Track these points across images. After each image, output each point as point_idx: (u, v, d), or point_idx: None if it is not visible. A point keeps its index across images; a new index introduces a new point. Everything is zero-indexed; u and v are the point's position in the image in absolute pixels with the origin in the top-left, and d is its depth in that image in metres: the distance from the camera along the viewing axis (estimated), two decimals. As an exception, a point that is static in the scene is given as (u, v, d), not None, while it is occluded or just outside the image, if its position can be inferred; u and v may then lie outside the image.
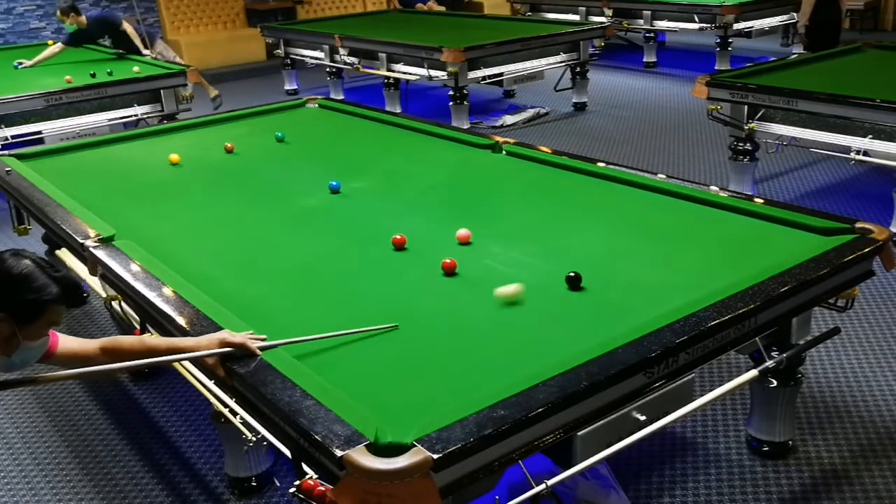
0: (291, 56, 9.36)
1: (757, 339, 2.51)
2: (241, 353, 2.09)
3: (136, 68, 6.54)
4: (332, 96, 8.41)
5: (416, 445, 1.69)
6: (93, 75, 6.28)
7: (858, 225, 2.72)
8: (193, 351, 2.11)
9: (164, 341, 2.20)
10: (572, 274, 2.48)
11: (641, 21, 9.79)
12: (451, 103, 7.20)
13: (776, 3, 9.43)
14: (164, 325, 2.41)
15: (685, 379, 2.20)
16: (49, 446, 3.30)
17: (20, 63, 7.21)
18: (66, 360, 2.16)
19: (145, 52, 7.63)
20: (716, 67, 8.86)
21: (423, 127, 4.47)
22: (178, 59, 8.17)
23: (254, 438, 2.28)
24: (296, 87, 9.58)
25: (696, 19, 9.21)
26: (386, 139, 4.41)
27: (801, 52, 7.69)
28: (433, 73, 7.21)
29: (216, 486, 3.00)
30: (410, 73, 7.54)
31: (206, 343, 2.10)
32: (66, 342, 2.16)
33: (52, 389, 3.70)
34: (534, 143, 4.02)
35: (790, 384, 2.84)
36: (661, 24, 9.70)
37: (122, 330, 3.66)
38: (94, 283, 3.16)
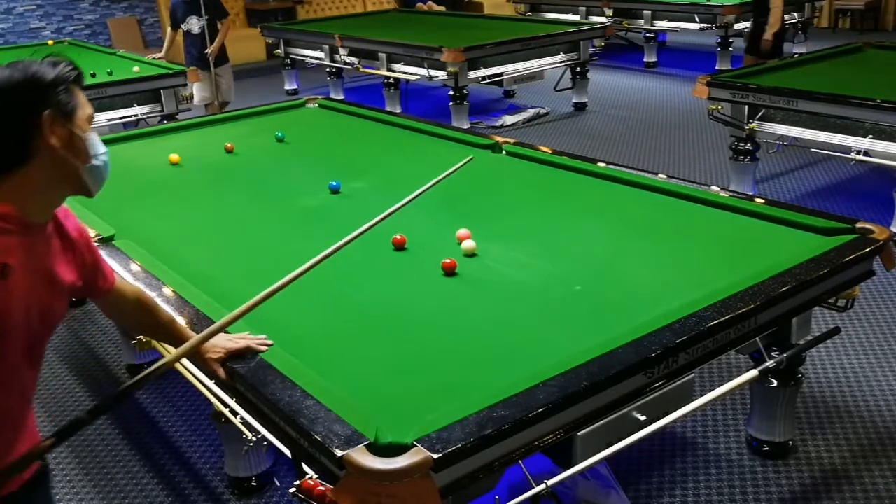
0: (291, 56, 9.37)
1: (757, 339, 2.51)
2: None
3: (136, 68, 6.53)
4: (332, 96, 8.40)
5: (416, 445, 1.69)
6: (93, 75, 6.27)
7: (859, 225, 2.71)
8: (203, 354, 2.07)
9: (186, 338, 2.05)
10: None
11: (641, 21, 9.80)
12: (451, 103, 7.20)
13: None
14: (164, 325, 2.41)
15: (685, 379, 2.20)
16: (49, 446, 3.30)
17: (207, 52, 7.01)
18: (115, 299, 1.91)
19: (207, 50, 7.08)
20: (716, 67, 8.87)
21: (423, 127, 4.47)
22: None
23: (254, 438, 2.28)
24: (296, 87, 9.58)
25: (697, 19, 9.22)
26: (386, 139, 4.40)
27: (803, 52, 7.66)
28: (433, 73, 7.21)
29: (216, 486, 3.00)
30: (410, 73, 7.54)
31: (212, 350, 2.07)
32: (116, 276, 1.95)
33: (51, 388, 3.70)
34: (534, 143, 4.02)
35: (790, 384, 2.84)
36: (662, 24, 9.71)
37: (122, 330, 3.65)
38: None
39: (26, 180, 1.51)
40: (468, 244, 2.76)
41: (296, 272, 1.94)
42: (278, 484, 2.92)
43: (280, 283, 1.93)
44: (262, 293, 1.92)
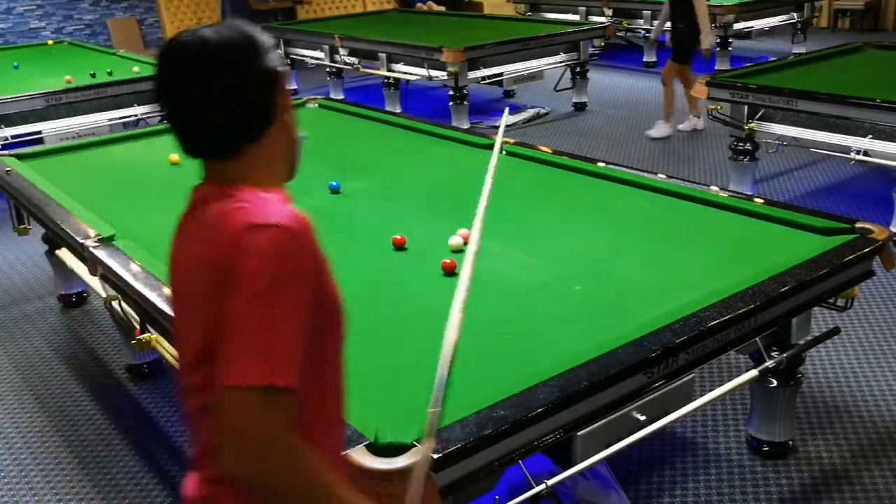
0: (291, 56, 9.35)
1: (757, 339, 2.51)
2: None
3: (136, 68, 6.53)
4: (332, 96, 8.40)
5: (416, 445, 1.69)
6: (93, 75, 6.28)
7: (858, 225, 2.72)
8: None
9: None
10: None
11: (641, 21, 9.79)
12: (451, 103, 7.20)
13: (776, 3, 9.43)
14: (164, 325, 2.41)
15: (685, 379, 2.20)
16: (49, 446, 3.30)
17: None
18: None
19: None
20: (716, 67, 8.85)
21: (423, 127, 4.47)
22: None
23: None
24: (296, 87, 9.57)
25: (696, 19, 9.20)
26: (386, 139, 4.40)
27: (803, 52, 7.64)
28: (433, 73, 7.21)
29: (216, 486, 2.99)
30: (410, 73, 7.54)
31: None
32: None
33: (51, 389, 3.70)
34: (534, 143, 4.02)
35: (790, 384, 2.84)
36: (661, 24, 9.69)
37: (122, 330, 3.65)
38: (95, 283, 3.16)
39: (271, 148, 1.44)
40: (454, 240, 2.76)
41: (454, 319, 1.74)
42: (278, 484, 2.91)
43: (451, 337, 1.69)
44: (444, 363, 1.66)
